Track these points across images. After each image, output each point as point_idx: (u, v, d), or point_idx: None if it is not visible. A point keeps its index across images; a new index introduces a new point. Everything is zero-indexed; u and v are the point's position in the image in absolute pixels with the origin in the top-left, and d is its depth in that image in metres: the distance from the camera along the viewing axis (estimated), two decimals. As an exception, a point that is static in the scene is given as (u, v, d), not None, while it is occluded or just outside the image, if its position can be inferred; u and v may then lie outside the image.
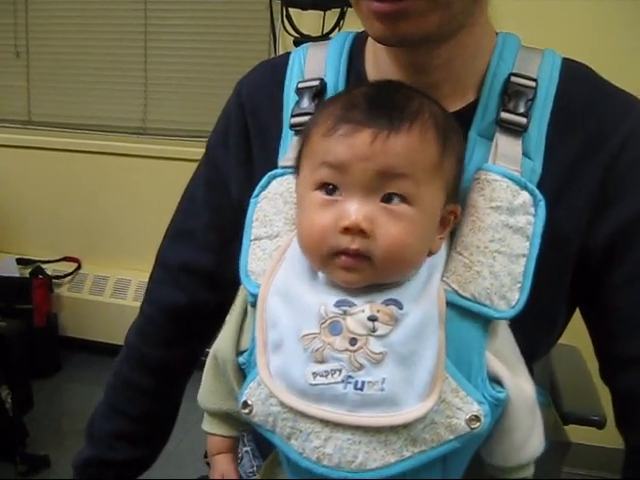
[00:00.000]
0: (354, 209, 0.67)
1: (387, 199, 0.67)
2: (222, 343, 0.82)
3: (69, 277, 3.31)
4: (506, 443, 0.74)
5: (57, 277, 3.28)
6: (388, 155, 0.67)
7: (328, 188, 0.69)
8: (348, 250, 0.67)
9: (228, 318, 0.84)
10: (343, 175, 0.68)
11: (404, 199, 0.67)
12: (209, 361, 0.85)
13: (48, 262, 3.33)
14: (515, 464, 0.75)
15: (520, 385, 0.73)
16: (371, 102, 0.70)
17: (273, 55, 2.87)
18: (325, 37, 2.46)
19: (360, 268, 0.67)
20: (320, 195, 0.70)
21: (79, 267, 3.34)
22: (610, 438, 0.89)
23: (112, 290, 3.25)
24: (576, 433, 1.26)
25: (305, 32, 2.53)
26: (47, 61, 3.37)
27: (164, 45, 3.18)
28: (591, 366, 1.51)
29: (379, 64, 0.85)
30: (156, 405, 1.04)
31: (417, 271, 0.70)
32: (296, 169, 0.77)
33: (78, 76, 3.32)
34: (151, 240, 3.37)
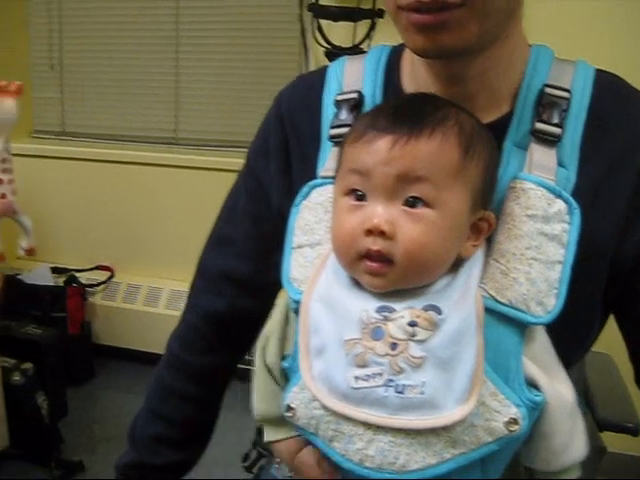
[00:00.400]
0: (377, 212, 0.70)
1: (409, 202, 0.70)
2: (269, 347, 0.84)
3: (102, 285, 3.36)
4: (547, 448, 0.75)
5: (91, 285, 3.33)
6: (407, 159, 0.70)
7: (356, 194, 0.73)
8: (371, 251, 0.70)
9: (270, 322, 0.86)
10: (368, 180, 0.71)
11: (425, 202, 0.70)
12: (259, 365, 0.86)
13: (82, 271, 3.38)
14: (558, 468, 0.76)
15: (558, 389, 0.74)
16: (397, 111, 0.74)
17: (304, 66, 2.90)
18: (356, 48, 2.49)
19: (383, 272, 0.70)
20: (349, 200, 0.73)
21: (112, 276, 3.39)
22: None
23: (144, 298, 3.29)
24: (610, 441, 1.27)
25: (336, 43, 2.55)
26: (80, 73, 3.44)
27: (195, 57, 3.23)
28: (625, 374, 1.52)
29: (416, 76, 0.87)
30: (196, 410, 1.06)
31: (445, 274, 0.72)
32: (334, 178, 0.79)
33: (111, 87, 3.39)
34: (183, 249, 3.41)
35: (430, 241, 0.69)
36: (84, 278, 3.33)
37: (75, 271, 3.35)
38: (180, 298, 3.17)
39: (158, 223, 3.31)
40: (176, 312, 3.07)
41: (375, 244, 0.69)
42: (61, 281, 3.26)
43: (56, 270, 3.34)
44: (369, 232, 0.70)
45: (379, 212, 0.70)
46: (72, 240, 3.47)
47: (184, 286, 3.24)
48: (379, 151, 0.71)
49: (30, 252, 0.74)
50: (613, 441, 1.33)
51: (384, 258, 0.70)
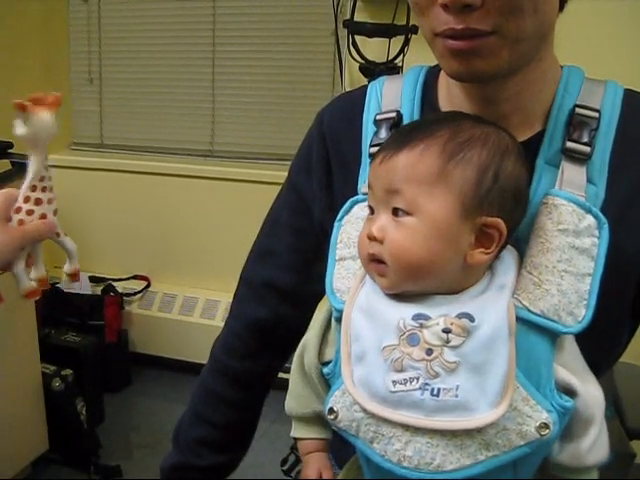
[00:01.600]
0: (376, 222, 0.78)
1: (394, 212, 0.77)
2: (308, 352, 0.89)
3: (139, 295, 3.42)
4: (577, 444, 0.78)
5: (127, 295, 3.39)
6: (388, 173, 0.78)
7: (370, 209, 0.81)
8: (369, 254, 0.78)
9: (310, 330, 0.91)
10: (372, 195, 0.80)
11: (404, 211, 0.76)
12: (295, 369, 0.91)
13: (119, 280, 3.43)
14: (582, 466, 0.79)
15: (590, 390, 0.77)
16: (405, 131, 0.82)
17: (339, 80, 2.94)
18: (390, 63, 2.52)
19: (384, 272, 0.77)
20: (368, 215, 0.82)
21: (149, 285, 3.45)
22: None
23: (180, 307, 3.34)
24: (638, 449, 1.29)
25: (370, 58, 2.59)
26: (119, 86, 3.51)
27: (231, 70, 3.29)
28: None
29: (452, 97, 0.91)
30: (238, 414, 1.10)
31: (479, 284, 0.77)
32: None
33: (148, 100, 3.45)
34: (218, 259, 3.44)
35: (411, 244, 0.75)
36: (121, 287, 3.39)
37: (112, 280, 3.40)
38: (215, 307, 3.22)
39: (193, 234, 3.36)
40: (211, 321, 3.15)
41: (372, 248, 0.78)
42: (99, 290, 3.32)
43: (94, 279, 3.39)
44: (369, 238, 0.78)
45: (377, 222, 0.78)
46: (110, 250, 3.52)
47: (219, 296, 3.30)
48: (373, 168, 0.80)
49: (74, 277, 0.77)
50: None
51: (380, 260, 0.77)
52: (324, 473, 0.91)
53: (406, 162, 0.77)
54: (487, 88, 0.85)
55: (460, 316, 0.74)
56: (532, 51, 0.81)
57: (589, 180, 0.82)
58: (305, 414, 0.91)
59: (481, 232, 0.77)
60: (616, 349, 0.91)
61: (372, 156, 0.89)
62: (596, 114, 0.84)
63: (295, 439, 0.95)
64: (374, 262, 0.78)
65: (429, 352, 0.73)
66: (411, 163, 0.76)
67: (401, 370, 0.74)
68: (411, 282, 0.77)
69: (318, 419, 0.90)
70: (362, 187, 0.90)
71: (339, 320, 0.82)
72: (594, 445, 0.78)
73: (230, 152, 3.33)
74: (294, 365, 0.92)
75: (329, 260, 0.88)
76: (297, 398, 0.92)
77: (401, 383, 0.74)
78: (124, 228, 3.48)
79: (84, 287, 3.27)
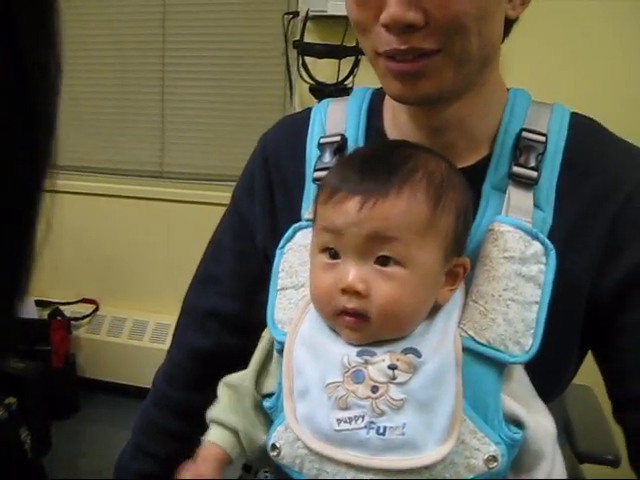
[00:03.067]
0: (350, 272, 0.72)
1: (380, 261, 0.72)
2: (244, 378, 0.85)
3: (87, 319, 3.34)
4: (531, 476, 0.76)
5: (75, 319, 3.31)
6: (375, 220, 0.71)
7: (330, 252, 0.75)
8: (347, 309, 0.72)
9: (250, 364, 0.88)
10: (340, 240, 0.73)
11: (396, 260, 0.72)
12: (224, 389, 0.86)
13: (66, 304, 3.36)
14: None
15: (539, 420, 0.76)
16: (364, 167, 0.75)
17: (289, 101, 2.93)
18: (340, 84, 2.52)
19: (361, 327, 0.72)
20: (324, 258, 0.75)
21: (97, 309, 3.38)
22: (625, 476, 0.91)
23: (129, 331, 3.28)
24: (591, 472, 1.28)
25: (320, 79, 2.59)
26: (65, 105, 3.36)
27: (181, 90, 3.25)
28: (604, 405, 1.54)
29: (398, 123, 0.90)
30: (182, 447, 1.06)
31: (423, 322, 0.74)
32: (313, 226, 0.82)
33: (96, 120, 3.39)
34: (168, 282, 3.39)
35: (403, 297, 0.72)
36: (68, 311, 3.31)
37: (59, 304, 3.33)
38: (165, 331, 3.16)
39: (143, 256, 3.31)
40: (161, 345, 3.10)
41: (350, 302, 0.72)
42: (45, 314, 3.25)
43: (40, 303, 3.31)
44: (344, 291, 0.72)
45: (352, 271, 0.72)
46: (56, 273, 3.44)
47: (169, 319, 3.24)
48: (348, 212, 0.72)
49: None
50: (594, 472, 1.34)
51: (360, 314, 0.72)
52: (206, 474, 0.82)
53: (397, 209, 0.72)
54: (432, 114, 0.84)
55: (406, 351, 0.72)
56: (476, 74, 0.81)
57: (536, 205, 0.81)
58: (228, 424, 0.84)
59: (450, 271, 0.76)
60: (566, 375, 0.90)
61: (317, 180, 0.87)
62: (543, 138, 0.83)
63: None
64: (348, 316, 0.73)
65: (374, 389, 0.71)
66: (402, 211, 0.72)
67: (346, 408, 0.72)
68: (391, 334, 0.73)
69: (235, 435, 0.83)
70: (306, 212, 0.88)
71: (280, 352, 0.80)
72: (550, 474, 0.76)
73: (180, 173, 3.29)
74: (223, 385, 0.87)
75: (270, 290, 0.85)
76: (224, 409, 0.85)
77: (346, 422, 0.72)
78: (71, 250, 3.41)
79: (30, 311, 3.20)
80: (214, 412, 0.86)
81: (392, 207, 0.72)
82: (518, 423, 0.75)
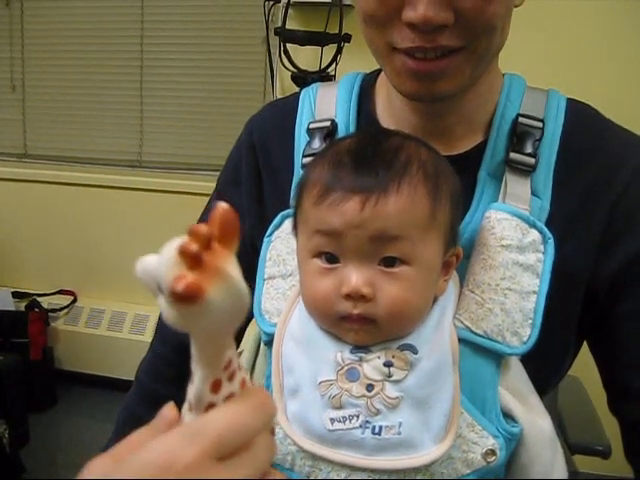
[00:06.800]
0: (354, 275, 0.68)
1: (385, 262, 0.68)
2: None
3: (65, 310, 3.31)
4: (527, 477, 0.74)
5: (53, 310, 3.28)
6: (379, 220, 0.67)
7: (326, 256, 0.70)
8: (352, 315, 0.68)
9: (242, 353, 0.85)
10: (338, 242, 0.69)
11: (401, 260, 0.68)
12: None
13: (44, 295, 3.33)
14: None
15: (534, 419, 0.74)
16: (357, 162, 0.70)
17: (270, 89, 2.90)
18: (323, 72, 2.49)
19: (367, 329, 0.69)
20: (319, 263, 0.71)
21: (75, 300, 3.34)
22: (616, 467, 0.90)
23: (108, 323, 3.24)
24: (582, 463, 1.27)
25: (302, 67, 2.56)
26: (43, 94, 3.40)
27: (160, 79, 3.22)
28: (593, 396, 1.53)
29: (392, 107, 0.87)
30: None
31: (426, 316, 0.72)
32: (294, 227, 0.77)
33: (74, 109, 3.35)
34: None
35: (410, 296, 0.68)
36: (46, 303, 3.28)
37: (37, 296, 3.30)
38: (144, 323, 3.14)
39: (121, 246, 3.27)
40: (140, 337, 3.07)
41: (356, 308, 0.68)
42: (22, 306, 3.22)
43: (17, 295, 3.29)
44: (348, 296, 0.68)
45: (356, 275, 0.68)
46: (34, 264, 3.42)
47: (148, 310, 3.22)
48: (348, 213, 0.67)
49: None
50: (585, 462, 1.33)
51: (365, 318, 0.68)
52: None
53: (400, 207, 0.67)
54: (436, 104, 0.81)
55: (402, 348, 0.69)
56: (488, 66, 0.79)
57: (534, 193, 0.79)
58: None
59: (445, 261, 0.73)
60: (562, 367, 0.88)
61: (305, 167, 0.84)
62: (539, 124, 0.81)
63: None
64: (353, 321, 0.69)
65: (370, 388, 0.68)
66: (405, 208, 0.68)
67: (340, 407, 0.69)
68: (397, 333, 0.70)
69: None
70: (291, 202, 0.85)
71: (268, 344, 0.77)
72: (548, 474, 0.74)
73: (159, 162, 3.25)
74: None
75: (257, 279, 0.82)
76: None
77: (340, 421, 0.69)
78: (49, 241, 3.38)
79: (6, 303, 3.16)
80: None
81: (395, 205, 0.67)
82: (514, 418, 0.73)
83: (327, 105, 0.89)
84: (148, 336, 3.04)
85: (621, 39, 2.49)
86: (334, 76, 2.51)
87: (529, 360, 0.75)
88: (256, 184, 0.93)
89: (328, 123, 0.86)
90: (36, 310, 3.19)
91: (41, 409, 3.07)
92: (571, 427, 1.28)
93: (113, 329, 3.21)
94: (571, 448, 1.22)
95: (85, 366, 3.24)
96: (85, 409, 3.10)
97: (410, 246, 0.68)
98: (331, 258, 0.70)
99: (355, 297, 0.67)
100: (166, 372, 1.02)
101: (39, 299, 3.27)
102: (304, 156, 0.86)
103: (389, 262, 0.68)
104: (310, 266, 0.72)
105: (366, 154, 0.71)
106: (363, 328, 0.69)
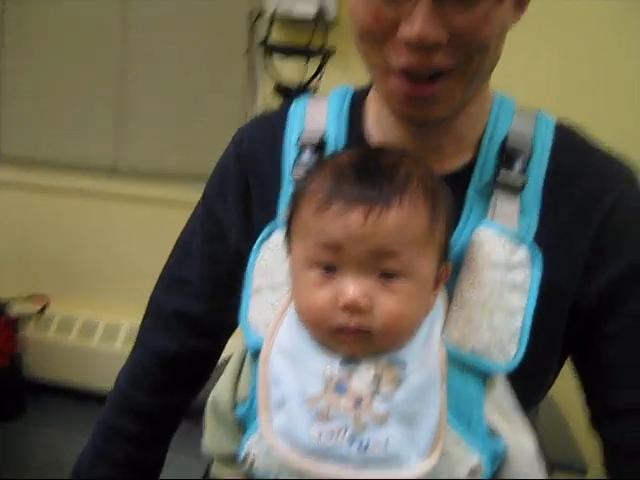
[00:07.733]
0: (351, 287, 0.68)
1: (383, 275, 0.69)
2: (221, 390, 0.82)
3: (35, 317, 3.23)
4: None
5: (22, 317, 3.20)
6: (381, 234, 0.68)
7: (324, 266, 0.70)
8: (348, 327, 0.68)
9: (225, 373, 0.84)
10: (338, 254, 0.69)
11: (400, 274, 0.69)
12: (209, 408, 0.84)
13: (14, 300, 3.24)
14: None
15: (519, 437, 0.74)
16: (359, 174, 0.71)
17: (252, 99, 2.89)
18: (307, 85, 2.49)
19: (362, 341, 0.69)
20: (315, 273, 0.71)
21: (46, 306, 3.27)
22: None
23: (79, 331, 3.18)
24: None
25: (286, 80, 2.55)
26: (18, 96, 3.33)
27: (140, 83, 3.17)
28: (567, 414, 1.54)
29: (382, 124, 0.87)
30: (142, 452, 1.03)
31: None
32: (287, 236, 0.77)
33: (50, 111, 3.28)
34: (121, 280, 3.32)
35: (407, 310, 0.69)
36: (16, 308, 3.20)
37: (4, 302, 3.20)
38: (115, 332, 3.09)
39: (96, 253, 3.22)
40: (111, 346, 3.03)
41: (352, 319, 0.68)
42: (-11, 312, 3.14)
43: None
44: (345, 308, 0.68)
45: (354, 287, 0.68)
46: (4, 270, 3.36)
47: (120, 320, 3.17)
48: (350, 225, 0.68)
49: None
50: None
51: (361, 330, 0.68)
52: None
53: (401, 222, 0.68)
54: (427, 126, 0.83)
55: (391, 362, 0.69)
56: (479, 88, 0.80)
57: (522, 211, 0.80)
58: (222, 455, 0.84)
59: (436, 277, 0.73)
60: (547, 384, 0.90)
61: (294, 179, 0.85)
62: (529, 143, 0.83)
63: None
64: (348, 333, 0.69)
65: (358, 402, 0.68)
66: (406, 223, 0.68)
67: (327, 421, 0.69)
68: (391, 346, 0.70)
69: (237, 458, 0.82)
70: (284, 212, 0.84)
71: (254, 355, 0.77)
72: None
73: (137, 169, 3.20)
74: (209, 404, 0.85)
75: (244, 290, 0.82)
76: (213, 438, 0.85)
77: (327, 435, 0.68)
78: (21, 246, 3.33)
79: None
80: (208, 444, 0.85)
81: (397, 219, 0.68)
82: (499, 436, 0.73)
83: (317, 119, 0.89)
84: (119, 346, 3.00)
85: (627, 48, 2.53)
86: (317, 90, 2.52)
87: (514, 377, 0.75)
88: (243, 195, 0.92)
89: (318, 137, 0.87)
90: (3, 317, 3.11)
91: (9, 418, 3.02)
92: (547, 445, 1.28)
93: (85, 338, 3.14)
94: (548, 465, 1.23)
95: (55, 375, 3.17)
96: (54, 419, 3.03)
97: (409, 260, 0.69)
98: (329, 269, 0.70)
99: (352, 309, 0.67)
100: (147, 381, 1.01)
101: (8, 305, 3.17)
102: (294, 168, 0.86)
103: (388, 275, 0.69)
104: (306, 276, 0.71)
105: (368, 167, 0.72)
106: (357, 340, 0.69)
